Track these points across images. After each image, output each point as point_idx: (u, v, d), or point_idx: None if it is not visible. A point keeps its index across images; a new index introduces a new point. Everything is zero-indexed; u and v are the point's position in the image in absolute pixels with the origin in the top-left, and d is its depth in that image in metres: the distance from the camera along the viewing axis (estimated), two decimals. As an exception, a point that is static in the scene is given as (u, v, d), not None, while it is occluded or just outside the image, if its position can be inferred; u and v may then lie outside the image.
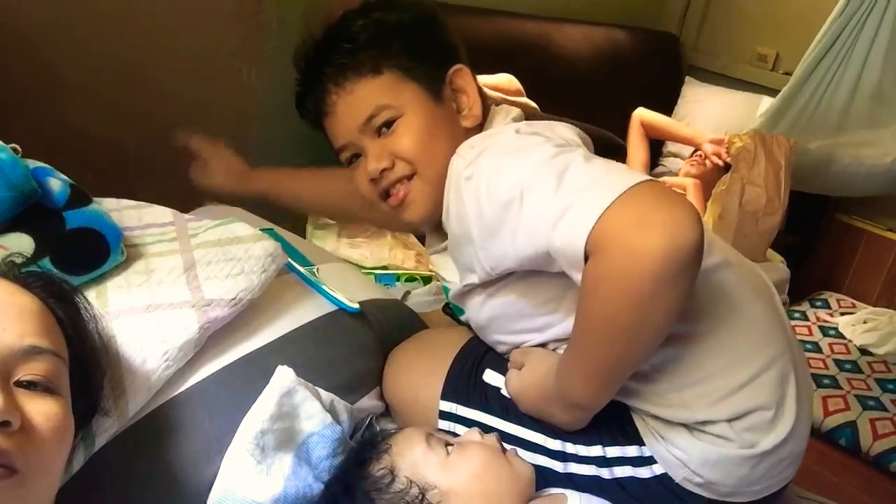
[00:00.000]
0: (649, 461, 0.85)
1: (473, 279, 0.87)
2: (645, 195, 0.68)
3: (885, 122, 2.21)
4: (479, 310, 0.92)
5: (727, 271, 0.86)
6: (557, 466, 0.87)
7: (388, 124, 0.90)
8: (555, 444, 0.87)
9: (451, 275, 0.94)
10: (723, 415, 0.82)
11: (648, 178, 0.71)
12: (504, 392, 0.91)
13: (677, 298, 0.69)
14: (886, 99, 2.18)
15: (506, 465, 0.80)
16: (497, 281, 0.86)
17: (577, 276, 0.71)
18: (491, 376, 0.94)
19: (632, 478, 0.85)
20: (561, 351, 0.87)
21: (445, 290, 0.98)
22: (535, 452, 0.88)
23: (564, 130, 0.88)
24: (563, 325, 0.86)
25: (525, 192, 0.74)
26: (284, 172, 1.27)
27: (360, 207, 1.14)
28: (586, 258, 0.69)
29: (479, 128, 0.93)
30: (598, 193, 0.68)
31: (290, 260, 1.00)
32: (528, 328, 0.89)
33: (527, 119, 0.95)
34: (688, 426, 0.83)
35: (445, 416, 0.94)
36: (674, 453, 0.84)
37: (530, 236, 0.74)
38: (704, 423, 0.82)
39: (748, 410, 0.82)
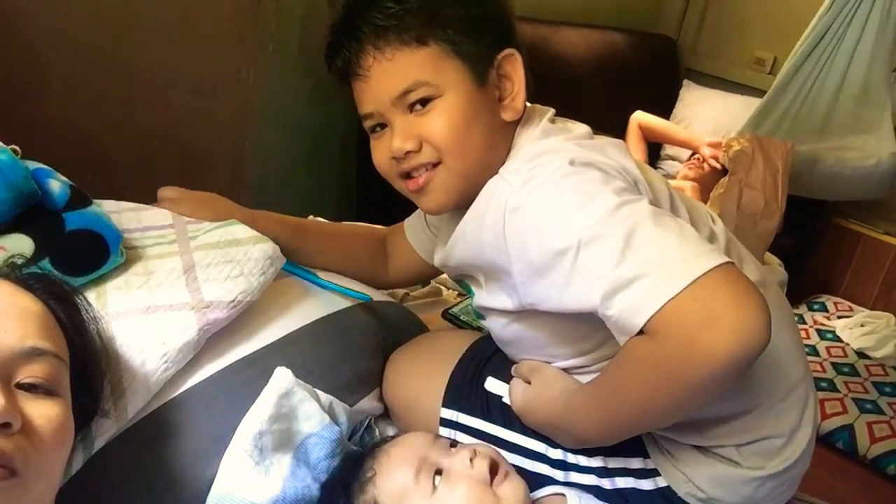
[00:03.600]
0: (653, 473, 0.85)
1: (507, 304, 0.83)
2: (719, 286, 0.64)
3: (870, 124, 2.21)
4: (501, 329, 0.89)
5: None
6: (558, 475, 0.87)
7: (424, 102, 0.81)
8: (556, 454, 0.87)
9: (477, 284, 0.91)
10: (732, 441, 0.82)
11: (724, 258, 0.65)
12: (505, 400, 0.90)
13: (723, 392, 0.68)
14: (871, 100, 2.18)
15: (493, 501, 0.76)
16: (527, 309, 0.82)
17: (622, 339, 0.69)
18: (492, 384, 0.93)
19: (633, 489, 0.85)
20: (575, 376, 0.86)
21: (468, 287, 0.95)
22: (535, 461, 0.88)
23: (616, 152, 0.81)
24: (583, 358, 0.84)
25: (583, 246, 0.68)
26: (296, 224, 1.09)
27: (370, 273, 1.12)
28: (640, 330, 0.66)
29: (516, 124, 0.85)
30: (669, 275, 0.64)
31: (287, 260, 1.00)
32: (548, 354, 0.87)
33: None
34: (696, 445, 0.83)
35: (446, 423, 0.93)
36: (679, 468, 0.83)
37: (581, 295, 0.69)
38: (713, 446, 0.82)
39: (759, 438, 0.81)
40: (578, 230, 0.69)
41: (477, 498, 0.77)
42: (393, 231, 1.15)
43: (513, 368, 0.91)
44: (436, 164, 0.82)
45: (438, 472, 0.79)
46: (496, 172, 0.82)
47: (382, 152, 0.85)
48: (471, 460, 0.79)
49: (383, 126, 0.84)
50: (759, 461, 0.82)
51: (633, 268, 0.65)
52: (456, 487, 0.77)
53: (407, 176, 0.84)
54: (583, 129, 0.86)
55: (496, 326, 0.91)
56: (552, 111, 0.88)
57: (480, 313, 0.93)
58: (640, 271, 0.65)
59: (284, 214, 1.09)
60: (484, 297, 0.88)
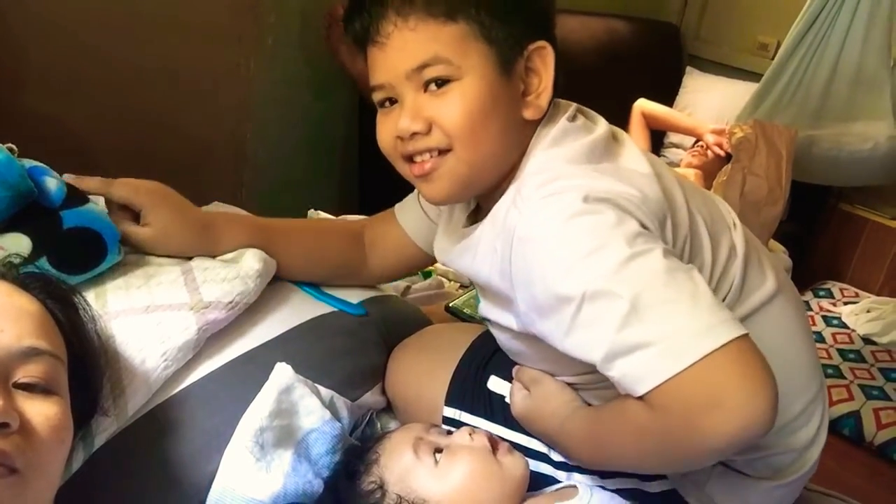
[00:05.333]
0: (659, 476, 0.84)
1: (512, 324, 0.80)
2: (726, 366, 0.60)
3: (867, 108, 2.20)
4: (506, 340, 0.88)
5: (776, 305, 0.81)
6: (560, 476, 0.86)
7: (441, 83, 0.74)
8: (558, 455, 0.86)
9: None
10: (743, 456, 0.81)
11: (736, 332, 0.62)
12: (508, 400, 0.89)
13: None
14: (866, 83, 2.18)
15: (496, 469, 0.79)
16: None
17: (622, 391, 0.66)
18: (495, 383, 0.92)
19: (637, 490, 0.84)
20: (579, 391, 0.84)
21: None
22: (538, 461, 0.87)
23: (637, 175, 0.75)
24: (587, 377, 0.82)
25: (587, 299, 0.65)
26: (260, 225, 0.98)
27: (347, 272, 1.04)
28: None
29: (536, 124, 0.79)
30: (675, 349, 0.61)
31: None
32: (552, 369, 0.85)
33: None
34: None
35: (448, 422, 0.92)
36: (688, 474, 0.82)
37: (581, 348, 0.67)
38: (724, 459, 0.81)
39: (771, 454, 0.81)
40: (584, 281, 0.65)
41: (479, 465, 0.78)
42: (377, 220, 1.07)
43: (514, 370, 0.90)
44: (442, 152, 0.76)
45: (438, 450, 0.80)
46: (506, 171, 0.79)
47: (388, 130, 0.78)
48: (469, 435, 0.81)
49: (393, 101, 0.78)
50: (769, 472, 0.81)
51: (637, 335, 0.62)
52: (458, 458, 0.79)
53: (410, 159, 0.79)
54: (601, 130, 0.80)
55: (501, 337, 0.89)
56: (574, 107, 0.83)
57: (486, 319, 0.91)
58: (643, 340, 0.62)
59: (275, 209, 1.04)
60: (488, 309, 0.86)
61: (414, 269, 1.14)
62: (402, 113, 0.76)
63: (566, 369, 0.83)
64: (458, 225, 0.89)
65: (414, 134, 0.76)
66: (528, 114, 0.78)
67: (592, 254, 0.66)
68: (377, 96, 0.80)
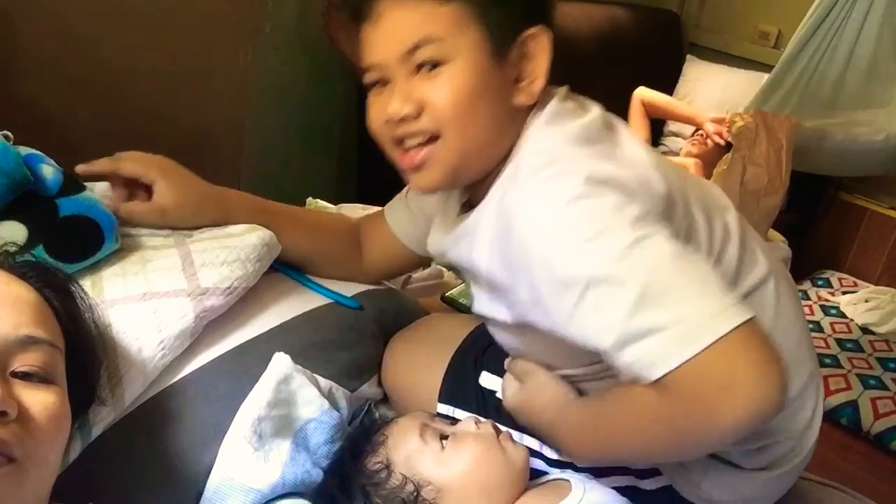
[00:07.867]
0: (654, 472, 0.83)
1: (505, 317, 0.79)
2: (740, 350, 0.60)
3: (879, 99, 2.20)
4: (502, 338, 0.87)
5: (770, 286, 0.80)
6: (554, 473, 0.86)
7: (433, 65, 0.73)
8: (551, 452, 0.86)
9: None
10: (739, 447, 0.80)
11: (746, 314, 0.61)
12: (500, 395, 0.89)
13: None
14: (880, 75, 2.17)
15: (500, 456, 0.79)
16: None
17: (630, 377, 0.64)
18: (487, 379, 0.92)
19: (633, 487, 0.83)
20: (577, 384, 0.83)
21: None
22: (532, 457, 0.86)
23: (635, 160, 0.74)
24: (585, 369, 0.81)
25: (592, 285, 0.63)
26: (265, 207, 1.00)
27: (345, 269, 1.04)
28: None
29: (527, 111, 0.77)
30: (689, 333, 0.60)
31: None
32: (549, 363, 0.84)
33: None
34: None
35: (443, 418, 0.92)
36: (682, 470, 0.82)
37: (589, 334, 0.65)
38: (719, 451, 0.81)
39: (767, 444, 0.80)
40: (588, 266, 0.64)
41: (484, 451, 0.79)
42: (369, 219, 1.07)
43: (505, 362, 0.89)
44: (430, 140, 0.75)
45: (444, 437, 0.81)
46: (497, 160, 0.77)
47: (378, 112, 0.76)
48: (476, 424, 0.82)
49: (384, 82, 0.76)
50: (766, 463, 0.81)
51: (648, 320, 0.62)
52: (463, 444, 0.79)
53: (400, 143, 0.77)
54: (594, 113, 0.79)
55: (496, 335, 0.88)
56: (565, 88, 0.81)
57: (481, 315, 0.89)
58: (655, 325, 0.61)
59: (273, 198, 1.04)
60: (482, 304, 0.84)
61: (405, 270, 1.13)
62: (392, 95, 0.74)
63: (565, 362, 0.82)
64: (452, 215, 0.87)
65: (403, 118, 0.74)
66: (520, 100, 0.76)
67: (595, 238, 0.65)
68: (368, 77, 0.78)
